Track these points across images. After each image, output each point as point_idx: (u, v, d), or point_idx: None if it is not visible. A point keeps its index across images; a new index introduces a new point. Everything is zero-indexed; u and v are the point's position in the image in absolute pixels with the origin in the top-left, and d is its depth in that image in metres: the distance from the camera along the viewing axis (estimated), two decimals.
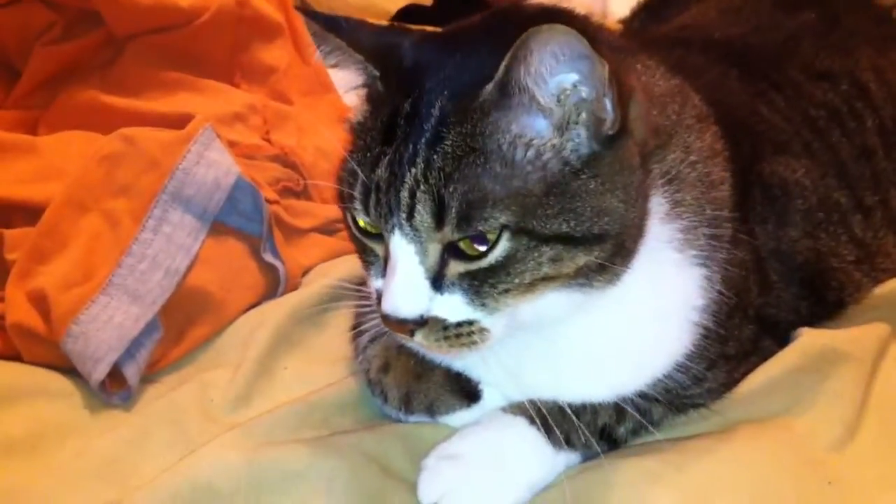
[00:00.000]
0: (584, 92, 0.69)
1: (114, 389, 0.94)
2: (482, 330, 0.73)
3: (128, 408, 0.94)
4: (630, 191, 0.73)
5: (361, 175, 0.73)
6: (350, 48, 0.76)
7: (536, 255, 0.70)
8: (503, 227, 0.69)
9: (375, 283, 0.78)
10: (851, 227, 1.01)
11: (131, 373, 0.95)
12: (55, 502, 0.80)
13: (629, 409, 0.84)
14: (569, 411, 0.81)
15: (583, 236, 0.71)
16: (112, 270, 0.99)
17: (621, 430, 0.86)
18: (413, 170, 0.70)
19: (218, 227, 1.07)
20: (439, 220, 0.69)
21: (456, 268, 0.72)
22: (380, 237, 0.75)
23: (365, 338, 0.94)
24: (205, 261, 1.04)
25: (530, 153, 0.70)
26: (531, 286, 0.72)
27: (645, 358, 0.83)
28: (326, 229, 1.21)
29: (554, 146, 0.70)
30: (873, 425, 0.87)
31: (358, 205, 0.74)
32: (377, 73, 0.75)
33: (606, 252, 0.72)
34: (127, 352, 0.95)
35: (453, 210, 0.69)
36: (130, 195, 1.05)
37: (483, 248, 0.70)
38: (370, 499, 0.78)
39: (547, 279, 0.72)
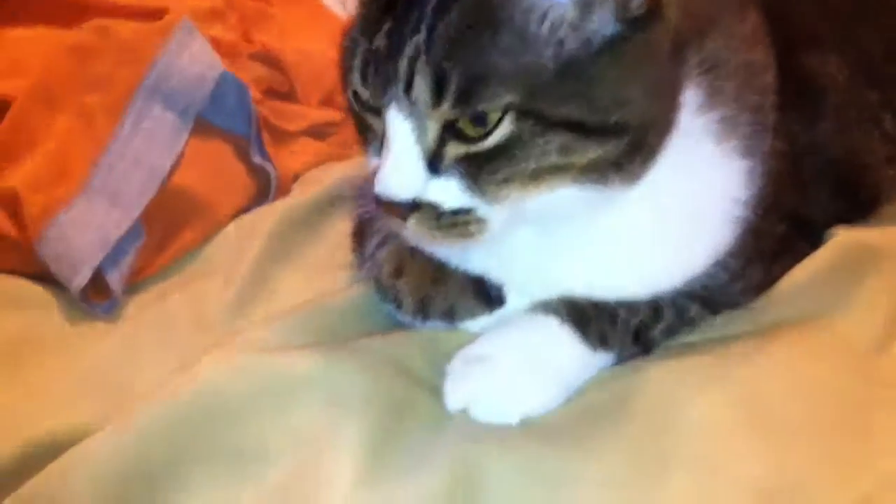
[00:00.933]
0: None
1: (96, 299, 0.86)
2: (479, 220, 0.67)
3: (112, 319, 0.86)
4: (656, 81, 0.67)
5: (362, 43, 0.66)
6: None
7: (542, 141, 0.64)
8: (507, 107, 0.62)
9: (373, 163, 0.71)
10: (883, 124, 0.95)
11: (115, 280, 0.87)
12: (40, 422, 0.71)
13: (666, 307, 0.78)
14: (604, 307, 0.76)
15: (597, 126, 0.64)
16: (89, 170, 0.90)
17: (656, 330, 0.80)
18: (414, 38, 0.63)
19: (202, 126, 0.98)
20: (438, 95, 0.63)
21: (455, 150, 0.65)
22: (379, 112, 0.68)
23: (372, 242, 0.87)
24: (190, 161, 0.95)
25: (545, 27, 0.63)
26: (536, 177, 0.65)
27: (685, 253, 0.77)
28: (315, 133, 1.13)
29: (573, 22, 0.63)
30: None
31: (357, 75, 0.67)
32: None
33: (622, 147, 0.65)
34: (110, 258, 0.87)
35: (454, 84, 0.62)
36: (106, 89, 0.95)
37: (484, 129, 0.63)
38: (394, 405, 0.71)
39: (554, 171, 0.65)
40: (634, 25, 0.64)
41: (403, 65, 0.63)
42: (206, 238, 0.96)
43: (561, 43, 0.63)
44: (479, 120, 0.63)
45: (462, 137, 0.64)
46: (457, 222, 0.67)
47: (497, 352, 0.76)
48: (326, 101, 1.21)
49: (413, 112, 0.64)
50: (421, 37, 0.63)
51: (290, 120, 1.10)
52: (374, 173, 0.69)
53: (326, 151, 1.11)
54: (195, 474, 0.66)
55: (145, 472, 0.66)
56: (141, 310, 0.87)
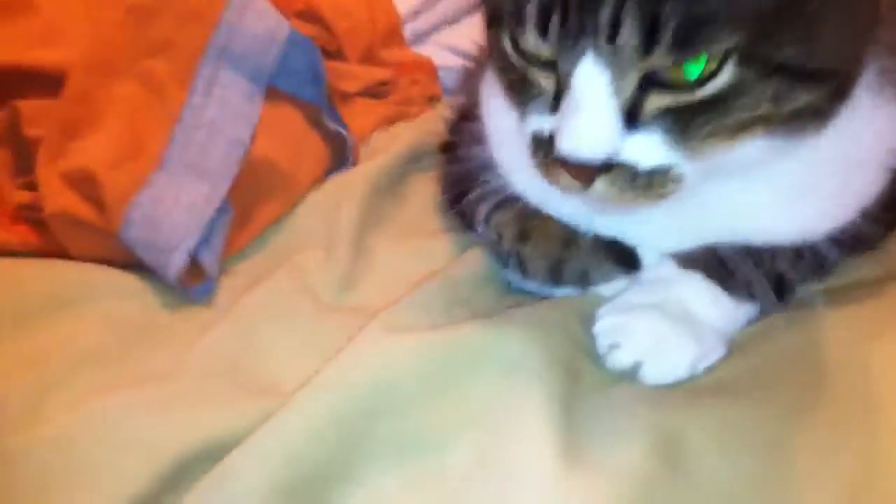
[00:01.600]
0: None
1: (190, 283, 0.78)
2: (677, 178, 0.61)
3: (212, 303, 0.79)
4: (860, 23, 0.62)
5: None
6: None
7: (760, 89, 0.58)
8: (730, 51, 0.56)
9: (534, 123, 0.64)
10: None
11: (210, 261, 0.79)
12: (191, 424, 0.63)
13: (807, 253, 0.75)
14: (747, 257, 0.73)
15: (813, 71, 0.59)
16: (165, 143, 0.82)
17: (795, 276, 0.77)
18: None
19: (271, 92, 0.91)
20: (650, 42, 0.56)
21: (657, 101, 0.59)
22: (548, 66, 0.61)
23: (484, 206, 0.81)
24: (266, 129, 0.88)
25: None
26: (743, 127, 0.60)
27: (840, 201, 0.73)
28: (372, 93, 1.06)
29: None
30: None
31: (530, 25, 0.59)
32: None
33: (826, 91, 0.61)
34: (201, 237, 0.79)
35: (670, 28, 0.55)
36: (170, 53, 0.87)
37: (699, 76, 0.57)
38: (569, 373, 0.66)
39: (760, 120, 0.60)
40: None
41: (607, 10, 0.56)
42: (287, 210, 0.89)
43: None
44: (692, 66, 0.57)
45: (667, 86, 0.58)
46: (653, 182, 0.61)
47: (649, 310, 0.71)
48: (366, 58, 1.14)
49: (615, 62, 0.57)
50: None
51: (346, 80, 1.03)
52: (537, 136, 0.63)
53: (385, 112, 1.05)
54: (370, 468, 0.61)
55: (317, 468, 0.60)
56: (240, 290, 0.79)
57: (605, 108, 0.58)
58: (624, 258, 0.77)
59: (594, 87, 0.58)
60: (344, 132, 0.94)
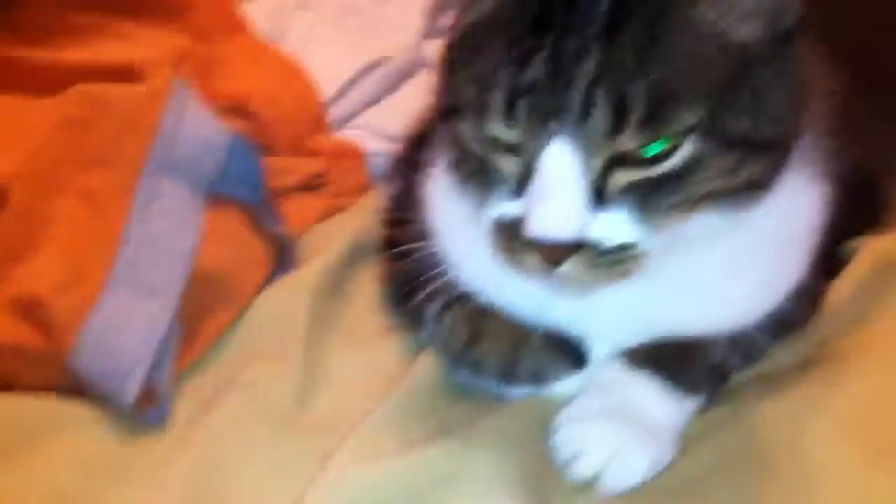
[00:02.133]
0: None
1: (143, 408, 0.77)
2: (640, 254, 0.63)
3: (168, 429, 0.77)
4: (801, 91, 0.66)
5: (503, 77, 0.60)
6: None
7: (717, 162, 0.61)
8: (693, 127, 0.59)
9: (497, 209, 0.65)
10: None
11: (162, 384, 0.78)
12: None
13: (741, 340, 0.79)
14: (687, 350, 0.77)
15: (761, 141, 0.63)
16: (111, 260, 0.81)
17: (732, 365, 0.81)
18: (586, 61, 0.58)
19: (211, 195, 0.90)
20: (618, 124, 0.58)
21: (622, 178, 0.61)
22: (512, 150, 0.63)
23: (433, 305, 0.83)
24: (209, 237, 0.87)
25: (718, 38, 0.61)
26: (700, 200, 0.63)
27: (772, 282, 0.77)
28: (306, 185, 1.06)
29: (739, 31, 0.62)
30: None
31: (496, 112, 0.61)
32: None
33: (772, 162, 0.65)
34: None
35: (638, 110, 0.58)
36: (109, 166, 0.86)
37: (660, 152, 0.60)
38: (539, 485, 0.68)
39: (715, 194, 0.63)
40: (788, 36, 0.64)
41: (576, 95, 0.58)
42: (234, 320, 0.88)
43: (734, 55, 0.61)
44: (653, 144, 0.60)
45: (631, 163, 0.60)
46: (619, 259, 0.62)
47: (605, 416, 0.74)
48: (294, 148, 1.14)
49: (584, 144, 0.59)
50: (594, 59, 0.58)
51: (280, 176, 1.03)
52: (500, 222, 0.64)
53: (320, 206, 1.05)
54: None
55: None
56: (198, 411, 0.79)
57: (574, 189, 0.60)
58: (574, 354, 0.79)
59: (563, 168, 0.60)
60: (284, 234, 0.94)
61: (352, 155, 1.16)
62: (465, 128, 0.65)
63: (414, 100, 1.24)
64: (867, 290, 0.88)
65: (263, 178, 0.94)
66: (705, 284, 0.75)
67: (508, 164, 0.64)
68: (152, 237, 0.83)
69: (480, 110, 0.62)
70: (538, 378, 0.78)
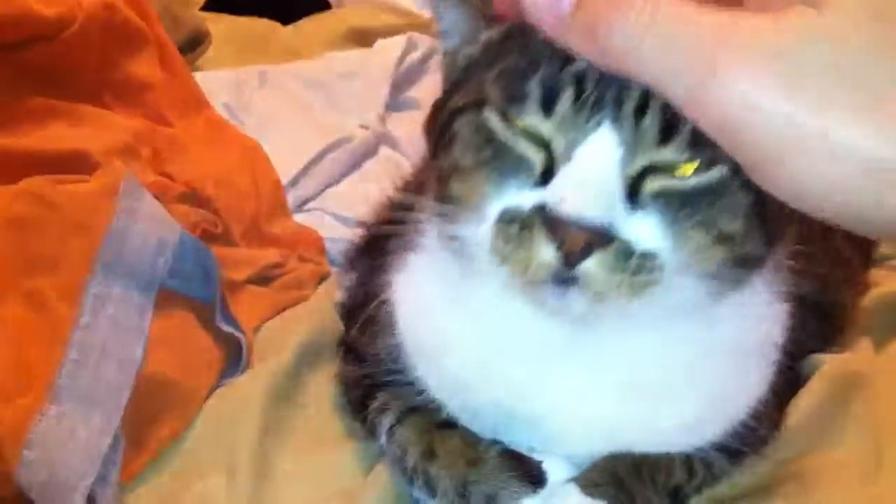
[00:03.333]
0: None
1: None
2: (659, 268, 0.60)
3: None
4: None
5: (545, 67, 0.60)
6: None
7: (735, 198, 0.60)
8: (723, 159, 0.58)
9: (514, 198, 0.61)
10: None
11: (106, 497, 0.76)
12: None
13: (697, 462, 0.78)
14: (643, 473, 0.75)
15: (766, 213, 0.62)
16: (55, 369, 0.78)
17: (689, 489, 0.79)
18: None
19: (162, 295, 0.88)
20: (665, 136, 0.58)
21: (654, 184, 0.59)
22: (538, 142, 0.61)
23: (386, 418, 0.81)
24: (158, 340, 0.85)
25: None
26: (714, 242, 0.61)
27: (730, 398, 0.77)
28: (261, 278, 1.04)
29: None
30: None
31: (532, 102, 0.60)
32: None
33: (762, 245, 0.64)
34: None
35: (685, 129, 0.58)
36: (55, 270, 0.83)
37: (694, 167, 0.59)
38: None
39: (725, 239, 0.61)
40: None
41: (634, 94, 0.58)
42: (183, 427, 0.86)
43: None
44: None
45: (663, 172, 0.59)
46: (641, 268, 0.59)
47: None
48: (251, 233, 1.13)
49: (626, 144, 0.58)
50: None
51: (234, 268, 1.01)
52: (507, 212, 0.60)
53: (276, 299, 1.03)
54: None
55: None
56: None
57: (611, 179, 0.58)
58: (531, 475, 0.78)
59: (602, 160, 0.58)
60: (237, 333, 0.92)
61: (310, 241, 1.15)
62: (491, 117, 0.63)
63: (376, 179, 1.24)
64: (827, 409, 0.87)
65: (216, 273, 0.91)
66: (665, 392, 0.74)
67: (534, 154, 0.61)
68: (99, 345, 0.80)
69: (509, 100, 0.61)
70: (494, 501, 0.77)
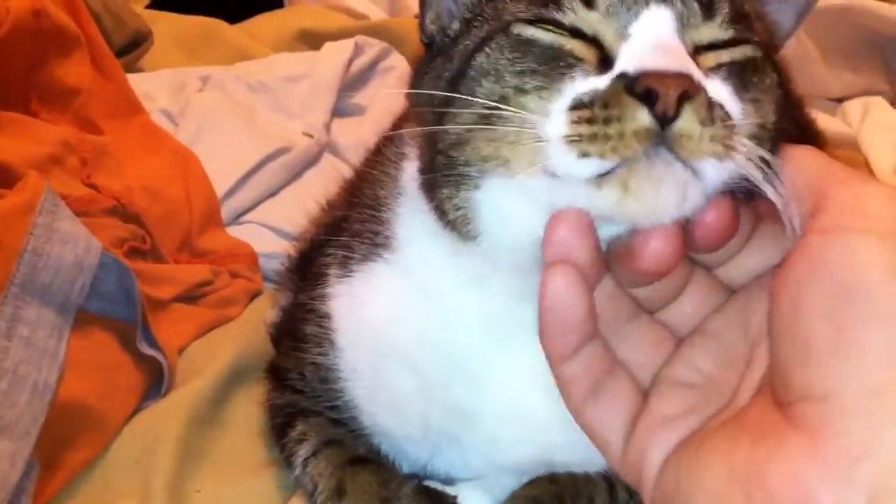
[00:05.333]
0: None
1: None
2: (735, 133, 0.55)
3: None
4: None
5: None
6: None
7: (769, 79, 0.62)
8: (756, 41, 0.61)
9: (575, 90, 0.56)
10: None
11: None
12: None
13: (622, 488, 0.77)
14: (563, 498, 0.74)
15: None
16: None
17: None
18: None
19: (80, 316, 0.86)
20: (710, 11, 0.59)
21: (707, 58, 0.59)
22: (582, 40, 0.58)
23: (301, 450, 0.80)
24: (74, 364, 0.82)
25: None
26: (758, 125, 0.59)
27: None
28: (189, 296, 1.02)
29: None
30: None
31: None
32: None
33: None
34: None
35: (725, 8, 0.60)
36: None
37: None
38: None
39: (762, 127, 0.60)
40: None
41: None
42: (99, 452, 0.84)
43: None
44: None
45: (710, 48, 0.59)
46: (725, 126, 0.54)
47: None
48: (183, 247, 1.10)
49: (684, 16, 0.58)
50: None
51: (161, 286, 0.99)
52: (578, 99, 0.55)
53: (204, 318, 1.01)
54: None
55: None
56: None
57: (679, 43, 0.57)
58: None
59: (665, 25, 0.58)
60: (159, 356, 0.89)
61: (244, 256, 1.13)
62: (521, 32, 0.60)
63: (318, 189, 1.21)
64: None
65: (139, 294, 0.89)
66: None
67: (584, 50, 0.58)
68: (11, 369, 0.78)
69: (546, 5, 0.59)
70: None
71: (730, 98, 0.58)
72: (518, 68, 0.59)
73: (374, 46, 1.62)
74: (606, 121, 0.53)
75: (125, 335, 0.90)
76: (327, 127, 1.46)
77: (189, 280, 1.02)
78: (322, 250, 0.84)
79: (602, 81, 0.55)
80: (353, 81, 1.57)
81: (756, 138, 0.57)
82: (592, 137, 0.53)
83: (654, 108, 0.52)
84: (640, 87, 0.52)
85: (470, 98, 0.59)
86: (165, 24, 1.75)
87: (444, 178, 0.61)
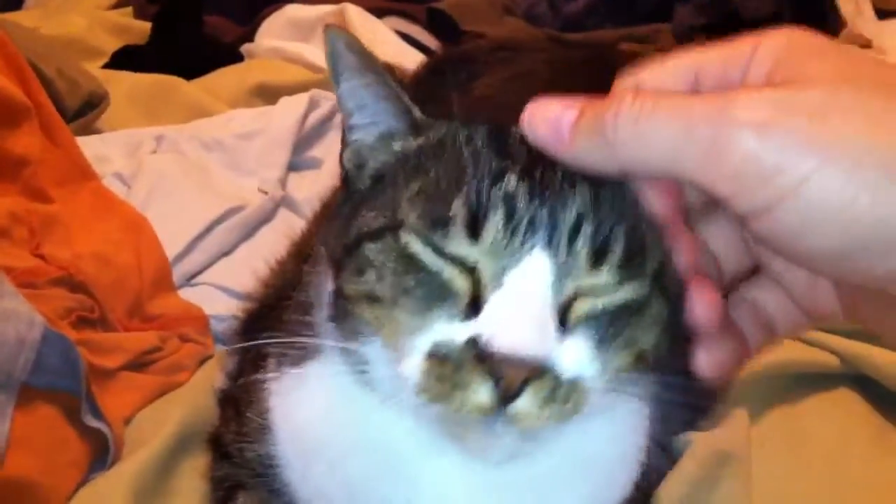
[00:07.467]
0: None
1: None
2: (586, 393, 0.58)
3: None
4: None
5: (468, 192, 0.58)
6: None
7: (653, 310, 0.61)
8: (651, 275, 0.60)
9: (441, 332, 0.58)
10: None
11: None
12: None
13: None
14: None
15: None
16: None
17: None
18: (577, 192, 0.58)
19: (24, 391, 0.86)
20: (598, 259, 0.58)
21: (582, 305, 0.59)
22: (465, 266, 0.59)
23: None
24: (17, 441, 0.83)
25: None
26: (635, 357, 0.61)
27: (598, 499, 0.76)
28: (136, 364, 1.03)
29: None
30: None
31: (458, 225, 0.58)
32: None
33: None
34: None
35: (617, 252, 0.58)
36: None
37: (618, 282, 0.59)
38: None
39: (644, 357, 0.61)
40: None
41: (569, 215, 0.57)
42: None
43: None
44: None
45: (590, 293, 0.59)
46: (569, 393, 0.57)
47: None
48: (132, 313, 1.11)
49: (559, 269, 0.57)
50: (587, 194, 0.58)
51: (108, 354, 0.99)
52: (437, 347, 0.57)
53: (151, 385, 1.01)
54: None
55: None
56: None
57: (545, 308, 0.57)
58: None
59: (535, 287, 0.57)
60: (104, 428, 0.90)
61: (195, 319, 1.13)
62: (410, 242, 0.60)
63: (272, 247, 1.22)
64: (699, 487, 0.88)
65: (83, 367, 0.90)
66: (538, 493, 0.72)
67: (461, 282, 0.59)
68: None
69: (431, 225, 0.59)
70: None
71: (587, 358, 0.58)
72: (398, 280, 0.60)
73: (329, 99, 1.64)
74: (454, 386, 0.56)
75: (70, 408, 0.90)
76: (283, 182, 1.47)
77: (137, 348, 1.02)
78: (263, 333, 0.82)
79: (461, 334, 0.57)
80: (309, 135, 1.59)
81: (631, 365, 0.61)
82: (439, 396, 0.57)
83: (498, 383, 0.55)
84: (489, 364, 0.55)
85: (356, 277, 0.62)
86: (122, 83, 1.76)
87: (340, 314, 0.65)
